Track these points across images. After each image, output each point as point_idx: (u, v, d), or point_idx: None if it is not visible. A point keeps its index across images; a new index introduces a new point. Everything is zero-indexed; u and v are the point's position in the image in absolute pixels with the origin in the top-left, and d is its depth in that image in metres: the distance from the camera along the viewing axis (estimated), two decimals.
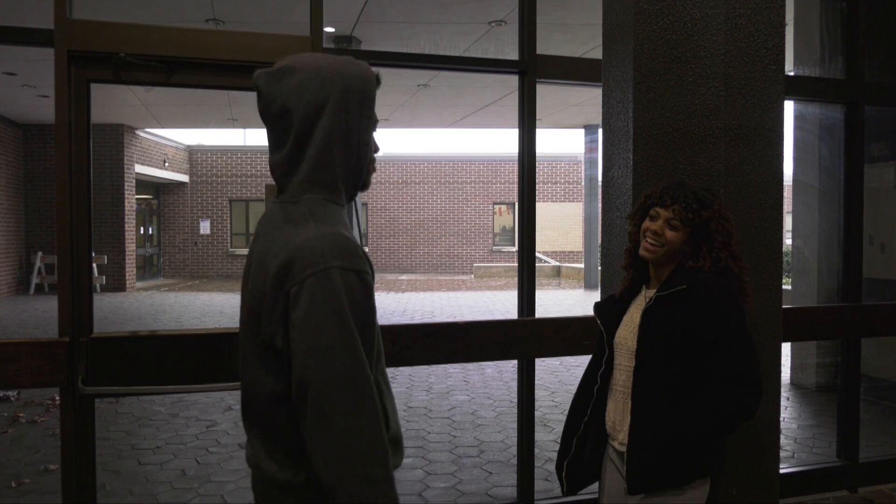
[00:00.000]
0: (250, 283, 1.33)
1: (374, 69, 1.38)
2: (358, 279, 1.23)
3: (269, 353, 1.27)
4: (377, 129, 1.44)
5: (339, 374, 1.19)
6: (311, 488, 1.28)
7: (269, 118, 1.32)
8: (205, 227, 20.29)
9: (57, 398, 5.50)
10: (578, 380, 2.11)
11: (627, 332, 1.97)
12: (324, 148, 1.29)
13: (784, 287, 2.81)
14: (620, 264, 2.13)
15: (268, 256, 1.27)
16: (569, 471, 2.04)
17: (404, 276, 20.31)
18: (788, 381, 6.43)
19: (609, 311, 2.07)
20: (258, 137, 21.75)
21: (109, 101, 12.89)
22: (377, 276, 1.55)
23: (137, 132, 16.33)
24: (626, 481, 1.89)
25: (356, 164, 1.34)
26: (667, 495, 1.85)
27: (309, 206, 1.29)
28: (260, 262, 1.30)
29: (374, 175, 1.52)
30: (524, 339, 3.26)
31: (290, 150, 1.30)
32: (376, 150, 1.41)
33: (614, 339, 2.01)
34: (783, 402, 5.84)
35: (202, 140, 21.26)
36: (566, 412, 2.11)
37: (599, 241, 10.90)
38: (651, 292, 1.96)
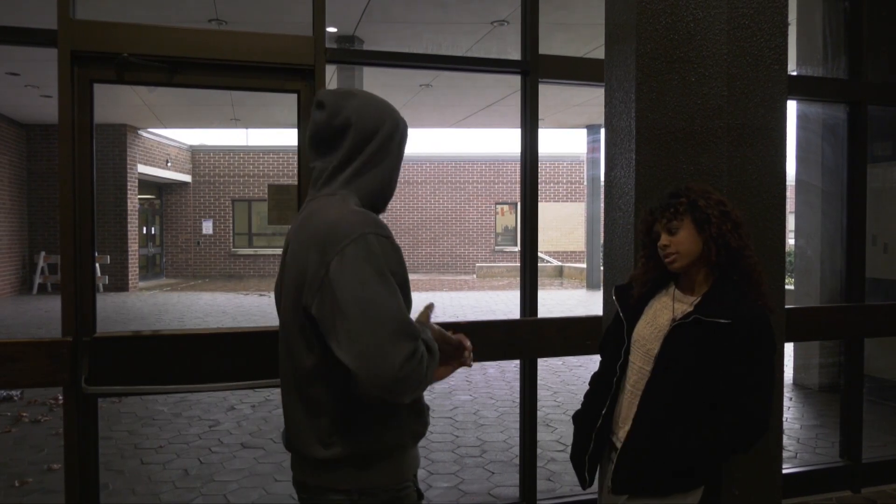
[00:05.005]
0: (291, 264, 1.47)
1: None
2: (391, 245, 1.41)
3: (309, 325, 1.41)
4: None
5: (385, 318, 1.32)
6: (353, 463, 1.43)
7: (329, 128, 1.50)
8: (207, 227, 20.30)
9: (60, 398, 5.52)
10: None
11: (648, 331, 1.92)
12: (367, 162, 1.50)
13: (787, 287, 2.81)
14: (636, 273, 2.04)
15: (309, 236, 1.43)
16: (591, 466, 2.00)
17: None
18: (791, 382, 6.42)
19: (630, 298, 2.01)
20: (260, 138, 21.76)
21: (112, 102, 12.92)
22: None
23: (140, 132, 16.36)
24: (612, 478, 1.89)
25: (381, 187, 1.54)
26: (650, 499, 1.83)
27: (345, 197, 1.48)
28: (302, 241, 1.45)
29: None
30: (526, 338, 3.26)
31: (342, 158, 1.50)
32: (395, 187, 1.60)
33: (633, 334, 1.96)
34: (786, 403, 5.84)
35: (205, 140, 21.24)
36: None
37: (602, 242, 10.88)
38: (683, 297, 1.91)
